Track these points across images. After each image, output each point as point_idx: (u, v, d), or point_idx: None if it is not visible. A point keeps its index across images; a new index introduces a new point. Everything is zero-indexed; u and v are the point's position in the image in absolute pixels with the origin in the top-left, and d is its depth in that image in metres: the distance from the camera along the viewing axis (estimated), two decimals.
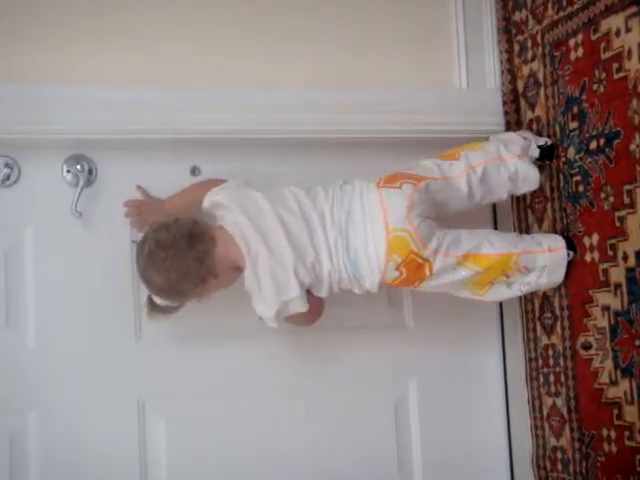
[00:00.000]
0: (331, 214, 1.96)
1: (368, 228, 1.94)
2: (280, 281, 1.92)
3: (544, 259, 2.07)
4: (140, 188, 2.13)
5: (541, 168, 2.16)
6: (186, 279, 1.90)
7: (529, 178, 2.12)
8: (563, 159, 2.13)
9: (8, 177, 2.10)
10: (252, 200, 1.98)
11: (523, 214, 2.29)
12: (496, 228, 2.40)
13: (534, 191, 2.22)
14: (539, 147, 2.15)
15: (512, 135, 2.20)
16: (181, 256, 1.89)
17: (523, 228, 2.29)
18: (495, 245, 2.02)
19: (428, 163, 2.07)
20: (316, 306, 2.00)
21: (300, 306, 1.94)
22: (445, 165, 2.07)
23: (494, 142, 2.15)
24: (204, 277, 1.91)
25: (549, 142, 2.15)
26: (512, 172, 2.10)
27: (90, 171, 2.13)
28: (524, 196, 2.27)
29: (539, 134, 2.21)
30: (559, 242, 2.09)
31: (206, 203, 2.00)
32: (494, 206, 2.39)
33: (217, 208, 1.99)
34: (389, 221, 1.93)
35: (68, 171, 2.12)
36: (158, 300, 1.95)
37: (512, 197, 2.32)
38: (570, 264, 2.09)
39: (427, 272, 1.97)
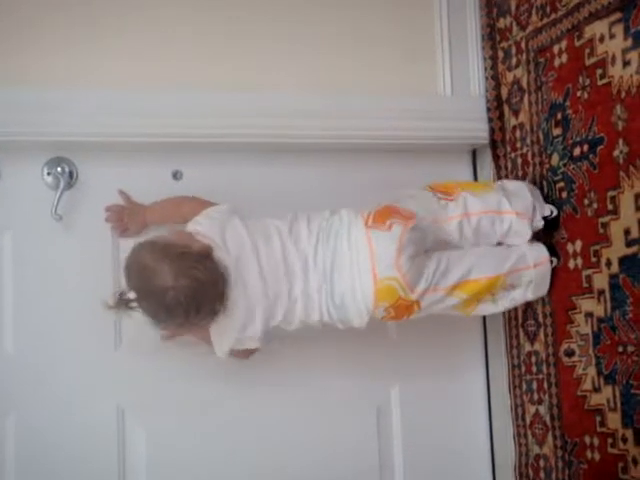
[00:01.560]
0: (314, 259, 1.90)
1: (355, 274, 1.89)
2: (244, 322, 1.88)
3: (529, 275, 2.06)
4: (122, 193, 2.11)
5: (548, 245, 2.09)
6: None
7: (520, 234, 2.07)
8: (547, 166, 2.12)
9: None
10: (234, 235, 1.90)
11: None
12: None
13: None
14: (543, 218, 2.08)
15: (521, 189, 2.11)
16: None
17: None
18: (482, 269, 2.00)
19: (426, 196, 2.02)
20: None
21: (254, 344, 1.93)
22: (441, 203, 2.02)
23: (498, 193, 2.09)
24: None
25: (554, 212, 2.08)
26: (505, 229, 2.05)
27: (71, 174, 2.11)
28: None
29: (522, 140, 2.21)
30: (543, 254, 2.07)
31: (190, 228, 1.92)
32: None
33: (199, 236, 1.91)
34: (377, 270, 1.88)
35: (49, 173, 2.11)
36: (132, 297, 1.85)
37: None
38: (553, 271, 2.08)
39: (416, 309, 1.96)
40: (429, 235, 1.98)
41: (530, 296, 2.09)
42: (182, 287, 1.78)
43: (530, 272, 2.06)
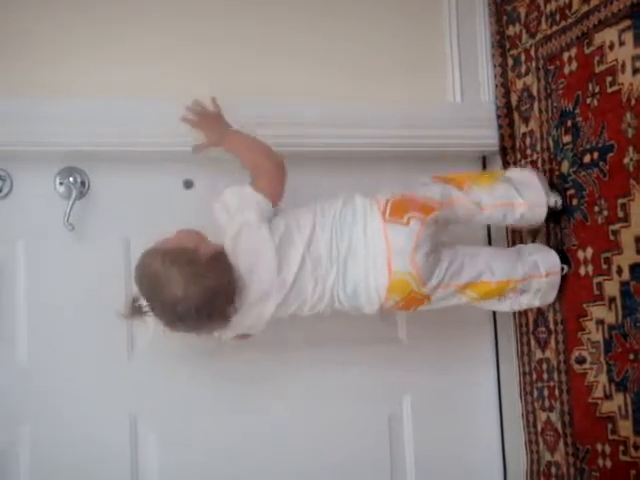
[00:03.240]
0: (329, 258, 1.89)
1: (370, 266, 1.89)
2: (254, 317, 1.89)
3: (539, 283, 2.07)
4: (214, 100, 2.04)
5: (559, 251, 2.10)
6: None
7: (532, 221, 2.10)
8: (557, 173, 2.12)
9: (0, 189, 2.09)
10: (252, 235, 1.88)
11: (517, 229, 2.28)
12: (490, 242, 2.39)
13: None
14: (548, 208, 2.09)
15: (529, 177, 2.12)
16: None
17: (517, 242, 2.28)
18: (495, 274, 2.01)
19: (438, 187, 2.02)
20: None
21: (258, 331, 1.95)
22: (452, 189, 2.02)
23: (506, 183, 2.09)
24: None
25: (559, 202, 2.09)
26: (517, 218, 2.08)
27: (83, 183, 2.13)
28: None
29: (532, 147, 2.21)
30: (555, 263, 2.08)
31: (215, 211, 1.91)
32: (488, 225, 2.39)
33: (225, 207, 1.91)
34: (393, 262, 1.88)
35: (61, 183, 2.12)
36: (145, 304, 1.85)
37: None
38: (564, 278, 2.08)
39: (426, 302, 1.97)
40: (444, 225, 1.98)
41: (536, 303, 2.10)
42: (192, 297, 1.76)
43: (541, 280, 2.06)
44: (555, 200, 2.09)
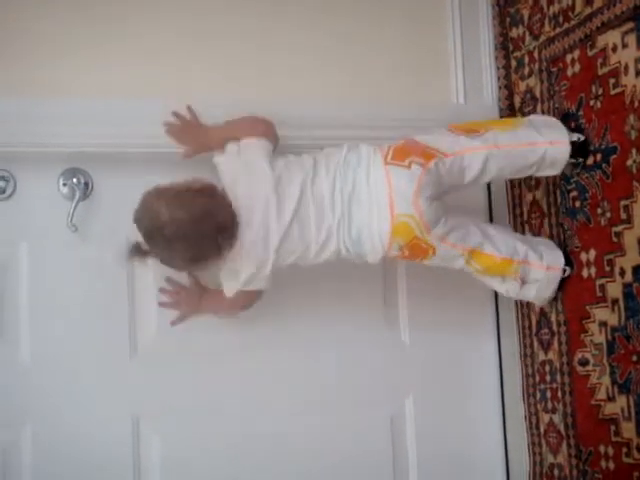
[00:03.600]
0: (332, 196, 1.90)
1: (374, 209, 1.89)
2: (259, 258, 1.90)
3: (539, 274, 2.06)
4: (190, 108, 2.07)
5: (574, 166, 2.06)
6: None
7: (556, 164, 2.04)
8: (560, 175, 2.12)
9: (4, 190, 2.10)
10: (252, 172, 1.92)
11: (520, 229, 2.28)
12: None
13: (531, 207, 2.23)
14: (571, 143, 2.03)
15: (550, 119, 2.10)
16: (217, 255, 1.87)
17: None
18: (498, 245, 2.01)
19: (447, 136, 1.99)
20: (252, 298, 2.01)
21: (263, 285, 1.95)
22: (463, 139, 1.99)
23: (527, 127, 2.05)
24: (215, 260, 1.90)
25: (581, 137, 2.04)
26: (539, 157, 2.01)
27: (86, 184, 2.13)
28: (521, 211, 2.28)
29: None
30: (559, 261, 2.08)
31: (215, 159, 1.98)
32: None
33: (219, 173, 1.96)
34: (395, 205, 1.88)
35: (64, 184, 2.12)
36: (145, 246, 1.88)
37: (509, 213, 2.32)
38: (567, 279, 2.08)
39: (430, 253, 1.95)
40: (446, 175, 1.96)
41: (532, 294, 2.10)
42: (179, 220, 1.81)
43: (540, 272, 2.06)
44: (578, 136, 2.03)
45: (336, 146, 1.98)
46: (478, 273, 2.05)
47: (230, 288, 1.97)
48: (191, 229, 1.82)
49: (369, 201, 1.90)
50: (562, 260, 2.08)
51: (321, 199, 1.91)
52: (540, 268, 2.06)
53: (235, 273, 1.93)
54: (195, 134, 2.06)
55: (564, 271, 2.08)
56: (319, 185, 1.92)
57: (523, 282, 2.06)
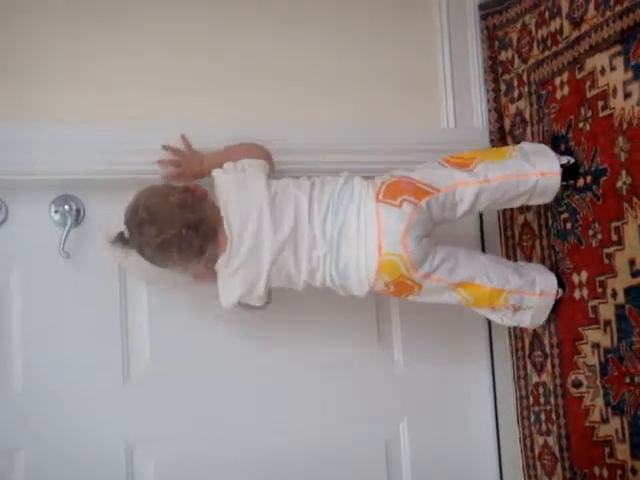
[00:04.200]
0: (323, 227, 1.91)
1: (361, 245, 1.90)
2: (248, 283, 1.92)
3: (532, 301, 2.06)
4: (184, 138, 2.07)
5: (564, 188, 2.07)
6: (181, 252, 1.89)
7: (547, 193, 2.04)
8: None
9: None
10: (250, 193, 1.93)
11: (512, 251, 2.29)
12: (483, 248, 2.40)
13: (523, 228, 2.24)
14: (561, 166, 2.03)
15: (540, 147, 2.10)
16: (188, 249, 1.89)
17: (510, 251, 2.30)
18: (490, 277, 2.00)
19: (439, 170, 2.00)
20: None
21: (258, 302, 1.97)
22: (456, 173, 1.99)
23: (517, 157, 2.05)
24: (194, 260, 1.92)
25: (571, 160, 2.04)
26: (530, 187, 2.01)
27: (78, 211, 2.13)
28: (512, 233, 2.28)
29: None
30: (552, 285, 2.08)
31: (214, 173, 1.99)
32: (482, 247, 2.39)
33: (215, 188, 1.96)
34: (383, 244, 1.88)
35: (56, 211, 2.12)
36: (128, 241, 1.91)
37: (500, 235, 2.33)
38: (559, 301, 2.09)
39: (416, 290, 1.96)
40: (438, 211, 1.96)
41: (527, 321, 2.10)
42: (153, 204, 1.87)
43: (534, 299, 2.06)
44: (568, 159, 2.04)
45: (333, 175, 1.99)
46: (468, 304, 2.04)
47: (228, 301, 1.96)
48: (162, 215, 1.86)
49: (358, 237, 1.90)
50: (555, 284, 2.08)
51: (314, 225, 1.92)
52: (533, 295, 2.06)
53: (229, 290, 1.94)
54: (190, 164, 2.06)
55: (557, 293, 2.08)
56: (314, 210, 1.92)
57: (516, 309, 2.06)
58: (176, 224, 1.86)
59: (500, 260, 2.15)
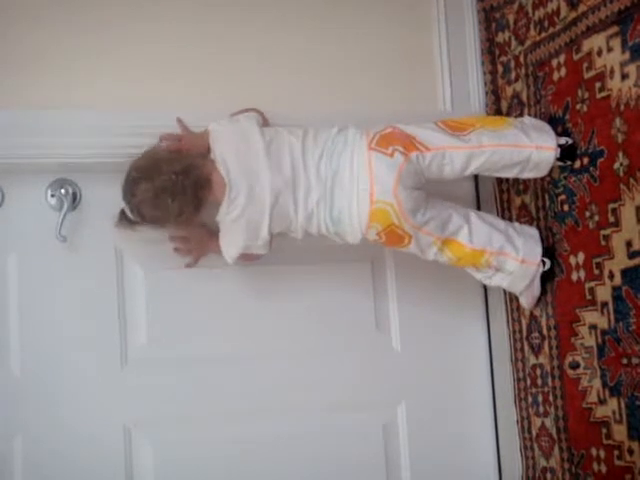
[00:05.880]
0: (317, 174, 1.94)
1: (354, 192, 1.92)
2: (252, 227, 1.94)
3: (513, 266, 2.07)
4: (179, 121, 2.08)
5: (562, 169, 2.07)
6: (174, 203, 1.91)
7: (539, 166, 2.04)
8: (548, 178, 2.13)
9: None
10: (246, 139, 1.97)
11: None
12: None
13: (520, 211, 2.24)
14: (559, 146, 2.03)
15: (541, 123, 2.10)
16: (182, 195, 1.91)
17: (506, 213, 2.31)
18: (474, 236, 2.02)
19: (432, 130, 2.01)
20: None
21: (262, 250, 1.99)
22: (448, 137, 2.00)
23: (516, 128, 2.05)
24: (193, 211, 1.94)
25: (569, 141, 2.04)
26: (523, 158, 2.02)
27: (74, 195, 2.12)
28: (510, 215, 2.28)
29: None
30: (535, 255, 2.08)
31: (210, 126, 2.01)
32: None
33: (211, 139, 1.99)
34: (375, 191, 1.91)
35: (52, 195, 2.12)
36: (130, 215, 1.95)
37: (497, 216, 2.32)
38: (552, 279, 2.10)
39: (406, 241, 1.98)
40: (430, 167, 1.98)
41: (505, 284, 2.11)
42: (139, 163, 1.94)
43: (515, 264, 2.06)
44: (566, 140, 2.04)
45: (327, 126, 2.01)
46: (452, 263, 2.06)
47: (230, 254, 1.99)
48: (150, 169, 1.91)
49: (350, 183, 1.93)
50: (538, 254, 2.08)
51: (309, 170, 1.94)
52: (515, 260, 2.06)
53: (233, 239, 1.96)
54: (192, 140, 2.04)
55: (543, 263, 2.08)
56: (308, 156, 1.95)
57: (497, 270, 2.07)
58: (164, 171, 1.90)
59: (492, 221, 2.12)
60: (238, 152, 1.95)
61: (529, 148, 2.02)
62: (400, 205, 1.91)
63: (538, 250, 2.09)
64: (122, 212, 1.96)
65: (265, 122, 2.07)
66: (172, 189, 1.90)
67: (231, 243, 1.98)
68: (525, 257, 2.07)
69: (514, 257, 2.06)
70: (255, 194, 1.92)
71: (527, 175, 2.08)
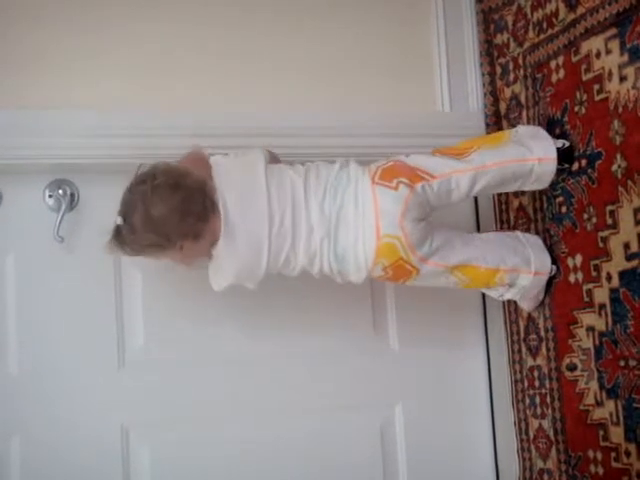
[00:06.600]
0: (321, 212, 1.88)
1: (359, 229, 1.88)
2: (248, 269, 1.89)
3: (526, 280, 2.06)
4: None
5: (559, 172, 2.06)
6: (180, 224, 1.82)
7: (541, 178, 2.04)
8: None
9: None
10: (250, 177, 1.90)
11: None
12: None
13: (518, 212, 2.24)
14: (556, 149, 2.03)
15: (536, 130, 2.10)
16: (189, 202, 1.83)
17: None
18: (487, 259, 2.00)
19: (434, 157, 1.98)
20: None
21: (252, 286, 1.93)
22: (450, 161, 1.98)
23: (515, 142, 2.05)
24: (195, 234, 1.84)
25: (566, 144, 2.04)
26: (526, 171, 2.01)
27: (72, 196, 2.12)
28: (507, 217, 2.28)
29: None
30: (546, 265, 2.08)
31: (213, 159, 1.93)
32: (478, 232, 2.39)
33: (214, 171, 1.91)
34: (381, 226, 1.87)
35: (50, 196, 2.12)
36: (125, 234, 1.83)
37: (495, 219, 2.33)
38: (553, 282, 2.09)
39: (413, 274, 1.94)
40: (434, 196, 1.95)
41: (517, 298, 2.11)
42: (135, 180, 1.85)
43: (528, 277, 2.05)
44: (563, 142, 2.04)
45: (328, 162, 1.97)
46: (464, 285, 2.03)
47: (219, 284, 1.93)
48: (152, 187, 1.82)
49: (355, 220, 1.88)
50: (549, 264, 2.08)
51: (311, 209, 1.90)
52: (528, 274, 2.05)
53: (224, 273, 1.90)
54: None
55: (551, 270, 2.08)
56: (310, 194, 1.90)
57: (510, 286, 2.06)
58: (168, 198, 1.81)
59: (499, 239, 2.11)
60: (237, 187, 1.88)
61: (531, 161, 2.01)
62: (407, 237, 1.88)
63: (548, 260, 2.08)
64: (117, 228, 1.84)
65: (274, 159, 2.00)
66: (183, 222, 1.82)
67: (222, 275, 1.91)
68: (537, 269, 2.06)
69: (527, 271, 2.05)
70: (253, 239, 1.86)
71: (529, 188, 2.07)
